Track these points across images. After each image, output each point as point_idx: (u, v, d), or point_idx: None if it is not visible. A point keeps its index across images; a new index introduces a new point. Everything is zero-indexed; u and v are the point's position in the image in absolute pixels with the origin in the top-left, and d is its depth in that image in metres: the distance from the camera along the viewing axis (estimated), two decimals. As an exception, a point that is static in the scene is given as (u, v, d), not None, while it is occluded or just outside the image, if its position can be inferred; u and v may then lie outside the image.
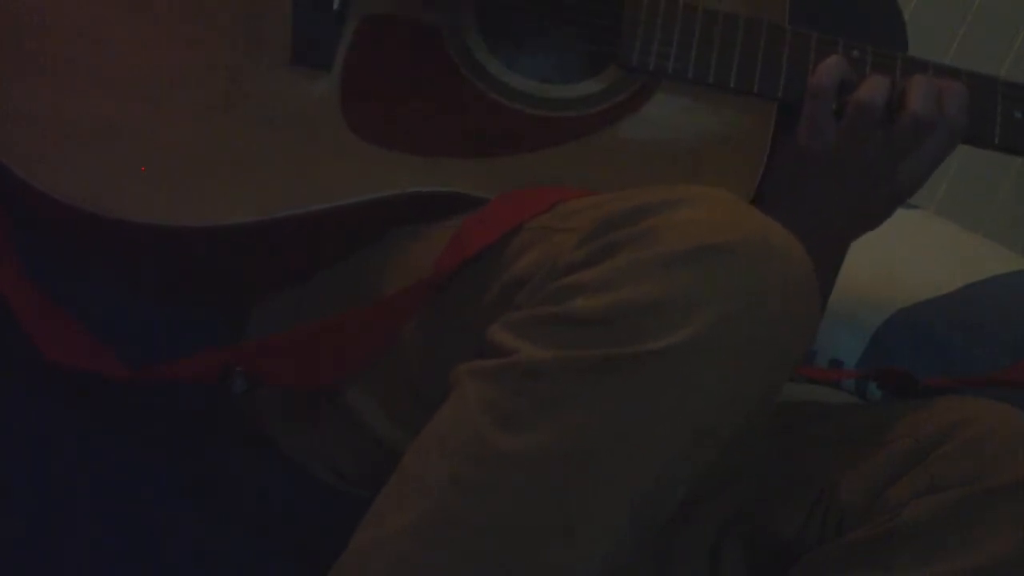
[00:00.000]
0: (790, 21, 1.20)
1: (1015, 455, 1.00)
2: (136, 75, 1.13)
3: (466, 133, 1.16)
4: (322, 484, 1.14)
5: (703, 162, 1.16)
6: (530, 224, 1.01)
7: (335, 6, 1.15)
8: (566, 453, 0.89)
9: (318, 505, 1.14)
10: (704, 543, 1.10)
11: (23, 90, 1.12)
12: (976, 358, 1.57)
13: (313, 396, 1.13)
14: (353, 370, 1.09)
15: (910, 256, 1.70)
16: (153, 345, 1.15)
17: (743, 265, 0.89)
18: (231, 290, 1.18)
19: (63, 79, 1.12)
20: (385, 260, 1.12)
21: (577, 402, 0.89)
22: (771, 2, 1.20)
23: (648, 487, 0.90)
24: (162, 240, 1.10)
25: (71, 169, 1.10)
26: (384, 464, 0.98)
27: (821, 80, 1.14)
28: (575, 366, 0.89)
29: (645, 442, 0.89)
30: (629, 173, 1.15)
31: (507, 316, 0.94)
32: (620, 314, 0.88)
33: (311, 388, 1.12)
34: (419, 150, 1.14)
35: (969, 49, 2.24)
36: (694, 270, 0.89)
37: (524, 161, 1.15)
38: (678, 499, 0.93)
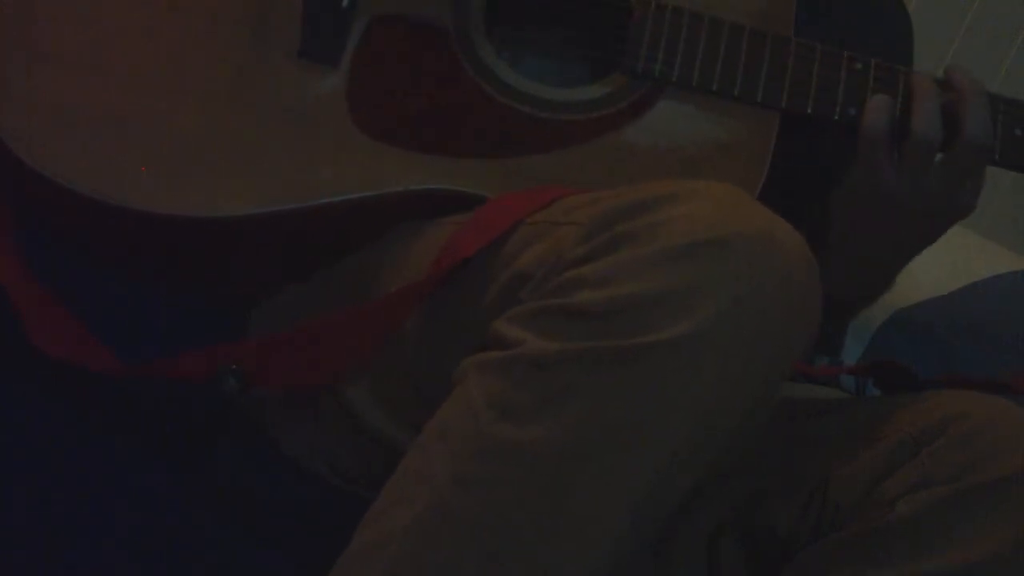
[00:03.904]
0: (798, 19, 1.21)
1: (1007, 450, 1.00)
2: (143, 65, 1.14)
3: (470, 133, 1.16)
4: (323, 483, 1.14)
5: (704, 169, 1.17)
6: (530, 220, 1.01)
7: (344, 3, 1.16)
8: (570, 444, 0.89)
9: (319, 504, 1.14)
10: (702, 538, 1.10)
11: (29, 77, 1.13)
12: (976, 358, 1.57)
13: (313, 394, 1.13)
14: (349, 370, 1.09)
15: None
16: (153, 344, 1.15)
17: (744, 258, 0.89)
18: (232, 283, 1.19)
19: (70, 67, 1.13)
20: (386, 258, 1.12)
21: (582, 394, 0.89)
22: (777, 13, 1.21)
23: (650, 480, 0.90)
24: (164, 229, 1.11)
25: (76, 156, 1.10)
26: (384, 463, 0.98)
27: (873, 124, 1.14)
28: (580, 358, 0.89)
29: (649, 434, 0.90)
30: (630, 178, 1.15)
31: (512, 310, 0.94)
32: (624, 307, 0.89)
33: (306, 387, 1.12)
34: (423, 148, 1.15)
35: (969, 49, 2.24)
36: (696, 263, 0.89)
37: (526, 162, 1.16)
38: (680, 493, 0.93)
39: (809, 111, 1.17)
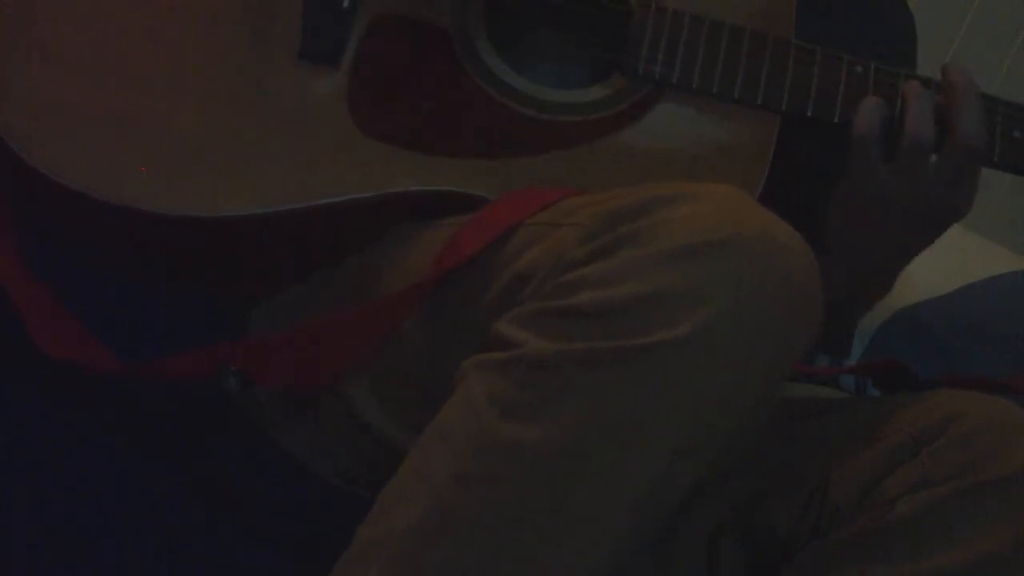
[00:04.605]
0: (800, 19, 1.21)
1: (1007, 449, 1.00)
2: (143, 65, 1.14)
3: (471, 134, 1.16)
4: (323, 483, 1.14)
5: (704, 171, 1.17)
6: (531, 221, 1.01)
7: (345, 4, 1.16)
8: (570, 443, 0.90)
9: (319, 504, 1.14)
10: (702, 538, 1.10)
11: (29, 77, 1.13)
12: (976, 358, 1.57)
13: (313, 394, 1.13)
14: (348, 370, 1.09)
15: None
16: (153, 344, 1.15)
17: (745, 259, 0.90)
18: (232, 283, 1.19)
19: (70, 67, 1.13)
20: (386, 259, 1.12)
21: (582, 393, 0.89)
22: (778, 15, 1.21)
23: (651, 479, 0.90)
24: (164, 229, 1.11)
25: (76, 156, 1.11)
26: (385, 463, 0.98)
27: (864, 125, 1.14)
28: (581, 358, 0.90)
29: (649, 433, 0.90)
30: (630, 180, 1.15)
31: (513, 311, 0.94)
32: (625, 307, 0.89)
33: (306, 387, 1.12)
34: (424, 149, 1.15)
35: (969, 49, 2.24)
36: (697, 264, 0.89)
37: (527, 163, 1.16)
38: (680, 493, 0.93)
39: (810, 114, 1.17)
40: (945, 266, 1.70)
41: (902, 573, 1.00)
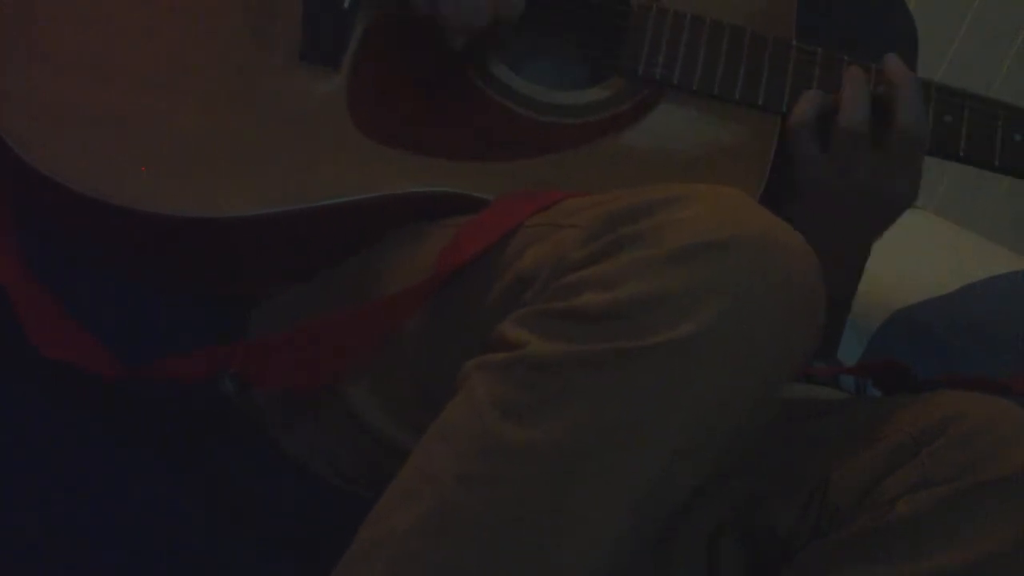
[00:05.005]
0: (800, 19, 1.21)
1: (1007, 450, 1.00)
2: (143, 65, 1.14)
3: (471, 135, 1.16)
4: (323, 484, 1.14)
5: (705, 173, 1.17)
6: (531, 222, 1.01)
7: (345, 5, 1.16)
8: (572, 445, 0.90)
9: (319, 504, 1.14)
10: (702, 538, 1.10)
11: (29, 77, 1.13)
12: (976, 358, 1.57)
13: (313, 394, 1.13)
14: (347, 371, 1.09)
15: (909, 256, 1.70)
16: (153, 344, 1.15)
17: (745, 260, 0.90)
18: (232, 283, 1.19)
19: (70, 67, 1.13)
20: (386, 260, 1.12)
21: (583, 394, 0.90)
22: (778, 15, 1.21)
23: (651, 479, 0.90)
24: (164, 230, 1.11)
25: (76, 156, 1.11)
26: (385, 463, 0.98)
27: (799, 114, 1.15)
28: (583, 359, 0.90)
29: (649, 433, 0.90)
30: (630, 181, 1.15)
31: (515, 312, 0.94)
32: (626, 309, 0.89)
33: (304, 389, 1.12)
34: (424, 150, 1.15)
35: (969, 49, 2.24)
36: (698, 265, 0.89)
37: (527, 165, 1.16)
38: (681, 493, 0.94)
39: None
40: (945, 266, 1.70)
41: (902, 573, 1.00)
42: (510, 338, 0.93)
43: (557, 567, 0.90)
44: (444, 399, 0.95)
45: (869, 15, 1.33)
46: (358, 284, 1.13)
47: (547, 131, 1.17)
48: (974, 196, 2.18)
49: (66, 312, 1.12)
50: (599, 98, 1.19)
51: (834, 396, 1.29)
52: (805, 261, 0.92)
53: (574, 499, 0.90)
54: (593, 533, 0.90)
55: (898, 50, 1.23)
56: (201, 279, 1.19)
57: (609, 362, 0.89)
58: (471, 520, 0.90)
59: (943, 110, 1.17)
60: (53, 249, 1.16)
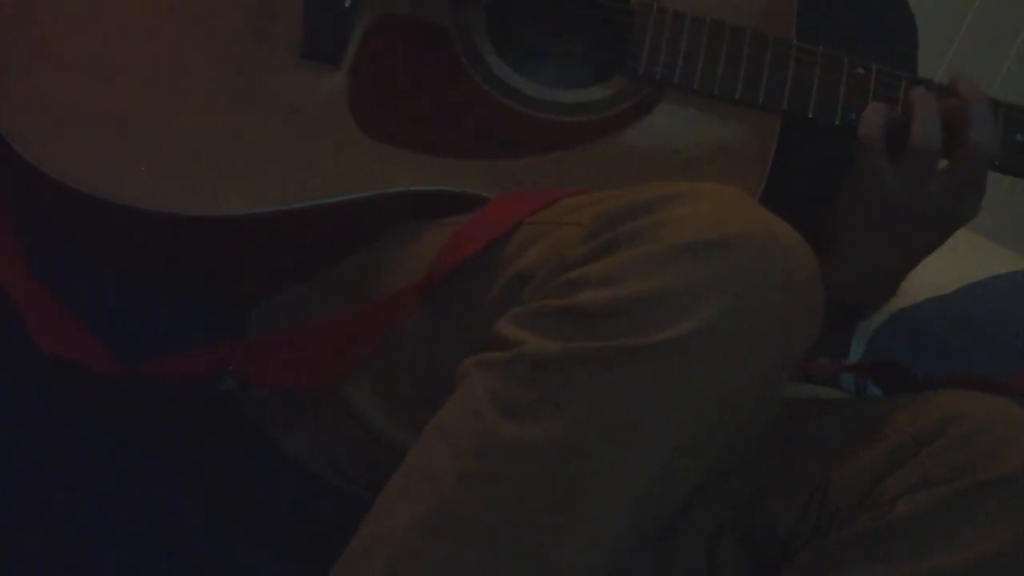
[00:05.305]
0: (800, 19, 1.21)
1: (1007, 450, 1.00)
2: (144, 64, 1.14)
3: (471, 133, 1.16)
4: (323, 484, 1.14)
5: (705, 172, 1.17)
6: (531, 220, 1.02)
7: (346, 4, 1.16)
8: (572, 443, 0.90)
9: (319, 504, 1.14)
10: (702, 537, 1.10)
11: (29, 77, 1.13)
12: (976, 358, 1.57)
13: (313, 394, 1.13)
14: (347, 371, 1.09)
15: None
16: (153, 344, 1.15)
17: (745, 258, 0.90)
18: (232, 283, 1.19)
19: (70, 67, 1.14)
20: (386, 258, 1.12)
21: (583, 392, 0.90)
22: (779, 15, 1.21)
23: (651, 477, 0.91)
24: (164, 229, 1.11)
25: (76, 156, 1.11)
26: (385, 463, 0.98)
27: (868, 130, 1.14)
28: (582, 357, 0.90)
29: (650, 431, 0.90)
30: (630, 180, 1.15)
31: (514, 310, 0.94)
32: (626, 307, 0.89)
33: (304, 389, 1.12)
34: (425, 149, 1.15)
35: (969, 49, 2.24)
36: (697, 263, 0.89)
37: (527, 163, 1.16)
38: (681, 491, 0.94)
39: (810, 115, 1.18)
40: (945, 266, 1.70)
41: (902, 573, 1.00)
42: (509, 336, 0.93)
43: (557, 565, 0.90)
44: (444, 398, 0.95)
45: (869, 15, 1.33)
46: (358, 283, 1.13)
47: (548, 129, 1.17)
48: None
49: (67, 311, 1.12)
50: (600, 97, 1.19)
51: (834, 396, 1.29)
52: (805, 260, 0.92)
53: (574, 497, 0.90)
54: (593, 531, 0.90)
55: (898, 49, 1.23)
56: (201, 279, 1.19)
57: (609, 360, 0.89)
58: (471, 518, 0.91)
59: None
60: (53, 249, 1.17)
